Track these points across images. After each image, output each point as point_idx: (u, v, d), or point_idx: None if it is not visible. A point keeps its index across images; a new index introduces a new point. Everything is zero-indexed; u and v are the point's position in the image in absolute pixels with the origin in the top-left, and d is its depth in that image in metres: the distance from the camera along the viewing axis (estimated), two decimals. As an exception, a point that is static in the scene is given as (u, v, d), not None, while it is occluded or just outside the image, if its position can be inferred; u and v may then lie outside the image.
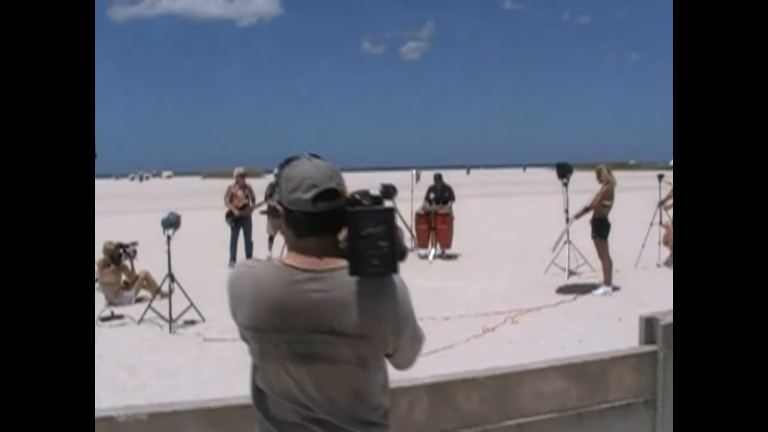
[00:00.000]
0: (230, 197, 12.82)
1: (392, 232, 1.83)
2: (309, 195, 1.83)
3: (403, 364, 2.03)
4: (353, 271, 1.81)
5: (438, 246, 13.81)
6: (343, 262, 1.84)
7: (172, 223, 7.81)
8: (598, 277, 10.08)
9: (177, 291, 8.19)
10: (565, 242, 11.17)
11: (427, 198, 14.12)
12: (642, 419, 4.06)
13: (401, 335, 1.92)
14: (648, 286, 9.93)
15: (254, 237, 13.05)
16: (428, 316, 8.48)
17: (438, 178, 14.24)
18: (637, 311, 8.23)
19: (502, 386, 3.64)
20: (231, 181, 13.23)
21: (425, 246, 13.83)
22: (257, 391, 2.00)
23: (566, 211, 11.20)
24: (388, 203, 1.96)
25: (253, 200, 13.07)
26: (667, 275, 10.90)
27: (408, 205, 14.23)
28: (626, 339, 6.34)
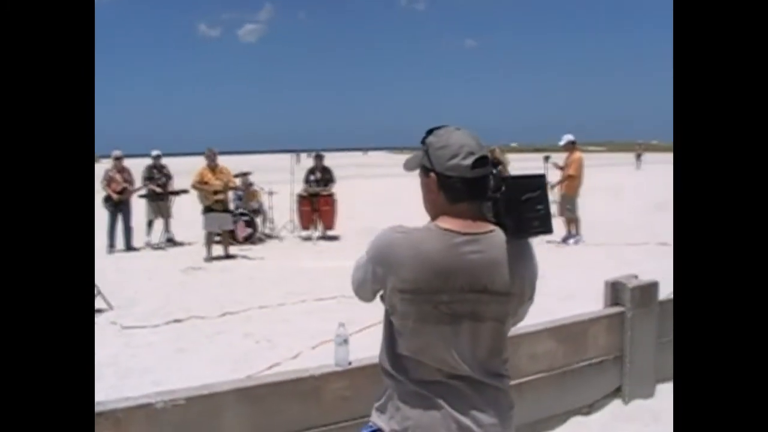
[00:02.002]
0: (108, 181, 12.21)
1: (546, 197, 2.00)
2: (468, 161, 1.95)
3: (518, 321, 2.19)
4: (515, 233, 1.97)
5: (320, 227, 13.88)
6: (492, 226, 1.98)
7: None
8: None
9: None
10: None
11: (306, 180, 14.07)
12: (612, 374, 4.44)
13: (533, 294, 2.09)
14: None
15: (133, 222, 12.54)
16: (341, 295, 8.57)
17: (318, 158, 14.23)
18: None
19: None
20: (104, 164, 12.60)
21: (308, 228, 13.86)
22: (395, 356, 2.07)
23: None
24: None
25: (132, 184, 12.55)
26: (548, 249, 11.64)
27: (287, 186, 14.19)
28: (548, 309, 6.79)
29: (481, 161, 1.97)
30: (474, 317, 1.97)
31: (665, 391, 4.59)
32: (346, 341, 3.38)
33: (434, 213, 2.04)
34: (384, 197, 24.27)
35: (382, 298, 2.07)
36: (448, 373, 2.00)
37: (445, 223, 1.97)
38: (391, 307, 2.03)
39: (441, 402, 1.99)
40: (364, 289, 2.12)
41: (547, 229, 2.00)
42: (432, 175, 2.00)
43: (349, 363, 3.40)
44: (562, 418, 4.21)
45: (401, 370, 2.05)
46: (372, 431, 2.13)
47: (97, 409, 2.89)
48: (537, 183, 2.01)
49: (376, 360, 3.43)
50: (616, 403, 4.45)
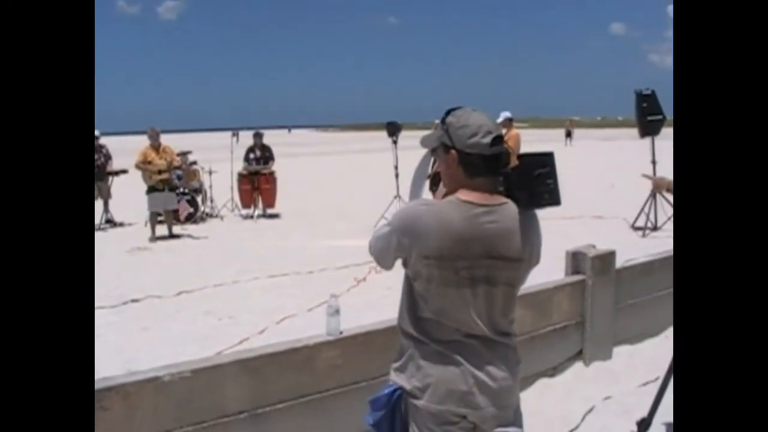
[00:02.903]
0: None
1: (555, 172, 2.22)
2: (487, 139, 2.15)
3: (522, 284, 2.40)
4: (527, 205, 2.19)
5: (261, 205, 13.90)
6: (505, 198, 2.19)
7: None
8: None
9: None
10: (395, 197, 11.85)
11: (246, 158, 14.02)
12: (574, 338, 4.75)
13: (538, 259, 2.31)
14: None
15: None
16: (293, 272, 8.72)
17: (258, 136, 14.17)
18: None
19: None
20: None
21: (248, 206, 13.85)
22: (417, 319, 2.25)
23: (395, 167, 11.89)
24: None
25: None
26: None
27: (227, 165, 14.11)
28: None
29: (498, 140, 2.17)
30: (489, 281, 2.17)
31: (622, 354, 4.95)
32: (337, 311, 3.54)
33: (453, 186, 2.22)
34: (316, 176, 24.36)
35: (404, 265, 2.24)
36: (465, 333, 2.20)
37: (465, 195, 2.16)
38: (414, 273, 2.20)
39: (459, 359, 2.19)
40: (385, 257, 2.29)
41: (556, 202, 2.22)
42: (453, 152, 2.18)
43: (340, 332, 3.56)
44: (530, 380, 4.49)
45: (423, 331, 2.23)
46: (393, 389, 2.29)
47: (107, 384, 2.99)
48: (547, 160, 2.22)
49: (365, 329, 3.65)
50: (578, 365, 4.77)
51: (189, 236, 11.60)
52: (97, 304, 7.16)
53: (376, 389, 2.37)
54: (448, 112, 2.25)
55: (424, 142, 2.36)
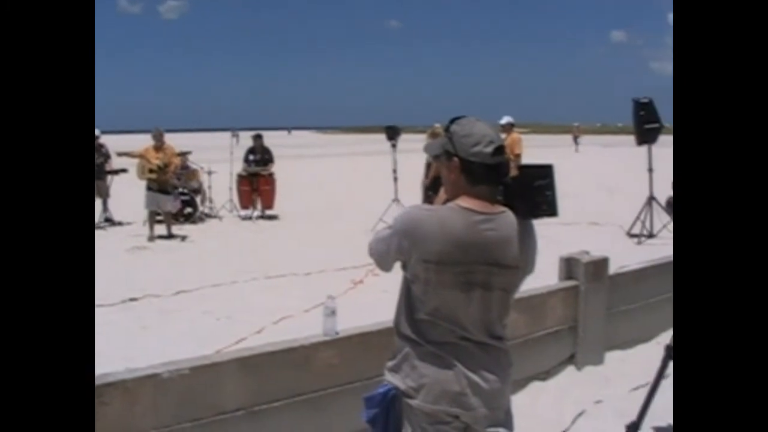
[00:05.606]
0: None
1: (554, 183, 2.28)
2: (489, 149, 2.22)
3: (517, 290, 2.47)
4: (526, 215, 2.25)
5: (260, 207, 13.97)
6: (503, 207, 2.25)
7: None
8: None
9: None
10: (393, 200, 11.90)
11: (246, 159, 14.08)
12: (567, 342, 4.82)
13: (533, 267, 2.38)
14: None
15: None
16: (290, 273, 8.77)
17: (258, 138, 14.25)
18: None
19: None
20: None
21: (247, 207, 13.92)
22: (413, 321, 2.32)
23: (394, 171, 11.97)
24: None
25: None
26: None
27: (227, 166, 14.17)
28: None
29: (500, 150, 2.24)
30: (485, 286, 2.24)
31: (613, 359, 5.02)
32: (333, 312, 3.61)
33: (454, 193, 2.29)
34: (316, 178, 24.40)
35: (403, 267, 2.31)
36: (460, 335, 2.27)
37: (465, 202, 2.23)
38: (413, 276, 2.27)
39: (454, 361, 2.26)
40: (385, 260, 2.36)
41: (554, 213, 2.29)
42: (455, 159, 2.25)
43: (337, 333, 3.62)
44: (522, 383, 4.55)
45: (418, 333, 2.29)
46: (388, 389, 2.35)
47: (107, 379, 3.05)
48: (547, 171, 2.29)
49: (361, 330, 3.72)
50: (570, 369, 4.84)
51: (187, 236, 11.65)
52: (96, 302, 7.22)
53: (371, 389, 2.42)
54: (453, 121, 2.32)
55: (427, 149, 2.43)
